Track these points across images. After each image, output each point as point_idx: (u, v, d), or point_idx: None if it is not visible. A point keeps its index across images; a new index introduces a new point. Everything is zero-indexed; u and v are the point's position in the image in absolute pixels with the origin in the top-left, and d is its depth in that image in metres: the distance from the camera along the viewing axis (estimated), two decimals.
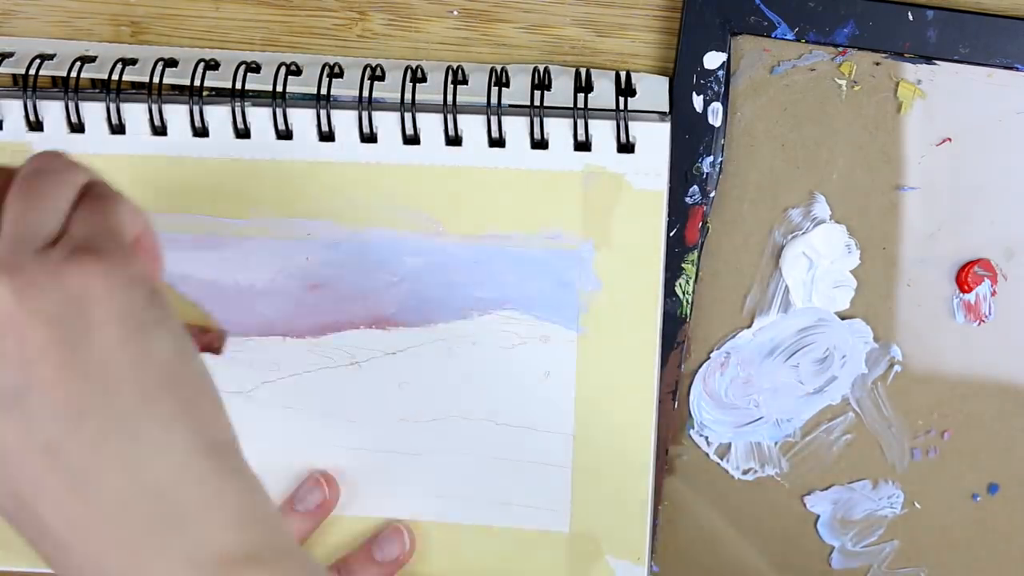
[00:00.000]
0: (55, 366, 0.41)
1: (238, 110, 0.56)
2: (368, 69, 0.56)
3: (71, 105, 0.56)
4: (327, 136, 0.56)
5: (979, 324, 0.57)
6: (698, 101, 0.55)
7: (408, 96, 0.55)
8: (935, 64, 0.55)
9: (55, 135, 0.56)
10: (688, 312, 0.58)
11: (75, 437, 0.41)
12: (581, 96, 0.55)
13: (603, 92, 0.55)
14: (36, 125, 0.56)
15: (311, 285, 0.57)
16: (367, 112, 0.55)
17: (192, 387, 0.43)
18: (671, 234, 0.57)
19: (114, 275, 0.42)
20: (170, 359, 0.42)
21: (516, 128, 0.55)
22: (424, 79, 0.56)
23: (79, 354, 0.41)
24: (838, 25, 0.54)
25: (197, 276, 0.58)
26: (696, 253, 0.57)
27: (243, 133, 0.56)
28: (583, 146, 0.55)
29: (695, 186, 0.56)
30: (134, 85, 0.57)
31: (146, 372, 0.42)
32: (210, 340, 0.56)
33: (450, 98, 0.55)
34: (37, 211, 0.42)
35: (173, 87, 0.57)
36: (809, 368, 0.58)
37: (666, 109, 0.55)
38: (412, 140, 0.56)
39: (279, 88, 0.55)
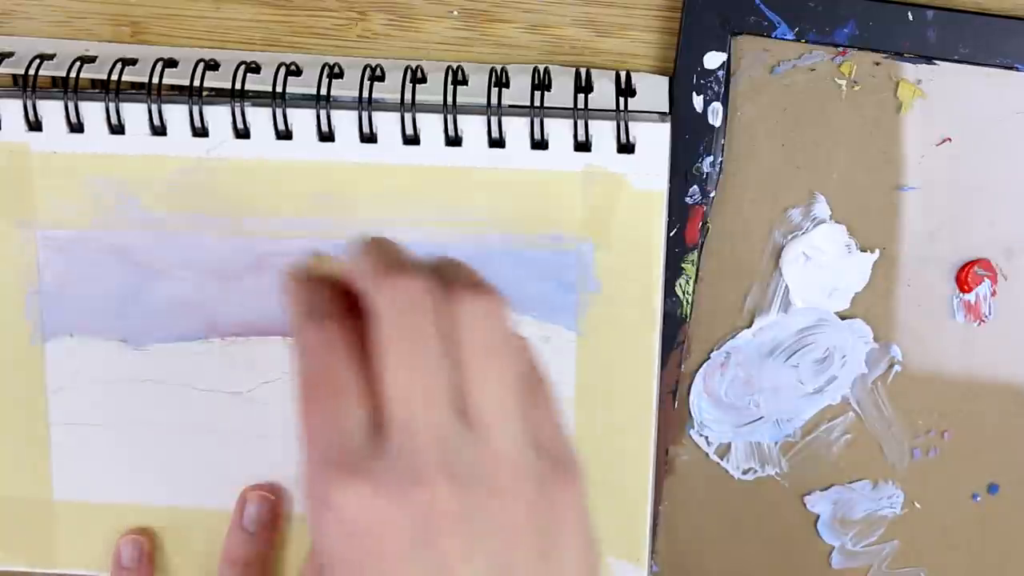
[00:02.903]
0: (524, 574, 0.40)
1: (238, 110, 0.56)
2: (368, 69, 0.56)
3: (71, 105, 0.56)
4: (327, 136, 0.56)
5: (979, 324, 0.57)
6: (698, 101, 0.55)
7: (408, 96, 0.55)
8: (935, 64, 0.55)
9: (55, 135, 0.56)
10: (688, 312, 0.58)
11: None
12: (581, 96, 0.55)
13: (603, 92, 0.55)
14: (36, 125, 0.56)
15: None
16: (367, 112, 0.55)
17: None
18: (671, 234, 0.57)
19: (583, 492, 0.42)
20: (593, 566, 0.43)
21: (516, 128, 0.55)
22: (424, 79, 0.56)
23: (548, 572, 0.41)
24: (838, 25, 0.54)
25: (196, 275, 0.58)
26: (696, 253, 0.57)
27: (243, 133, 0.56)
28: (583, 146, 0.55)
29: (695, 186, 0.56)
30: (134, 85, 0.57)
31: None
32: None
33: (450, 98, 0.55)
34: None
35: (173, 87, 0.57)
36: (809, 368, 0.58)
37: (666, 109, 0.55)
38: (412, 140, 0.56)
39: (279, 88, 0.55)
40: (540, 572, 0.41)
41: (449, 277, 0.42)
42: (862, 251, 0.57)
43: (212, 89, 0.56)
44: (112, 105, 0.56)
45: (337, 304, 0.43)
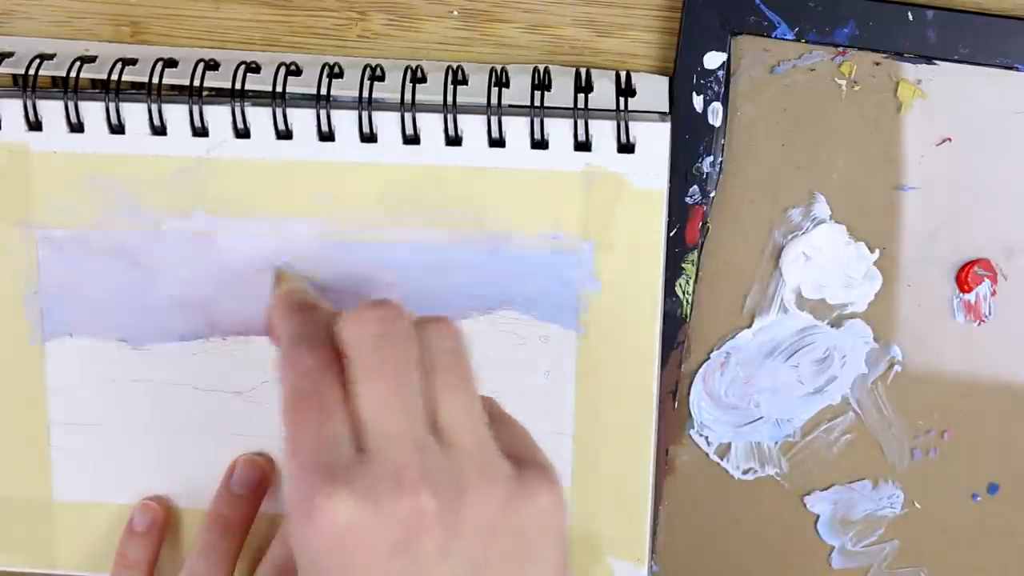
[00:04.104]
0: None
1: (238, 110, 0.56)
2: (368, 69, 0.56)
3: (71, 105, 0.56)
4: (327, 136, 0.56)
5: (979, 324, 0.57)
6: (698, 101, 0.55)
7: (408, 96, 0.55)
8: (935, 64, 0.55)
9: (55, 135, 0.56)
10: (688, 312, 0.58)
11: None
12: (581, 96, 0.55)
13: (603, 92, 0.55)
14: (35, 125, 0.56)
15: (311, 285, 0.57)
16: (367, 112, 0.55)
17: None
18: (671, 234, 0.57)
19: (561, 497, 0.44)
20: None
21: (516, 128, 0.55)
22: (424, 79, 0.56)
23: (526, 569, 0.43)
24: (838, 25, 0.54)
25: (197, 275, 0.58)
26: (696, 253, 0.57)
27: (243, 133, 0.56)
28: (583, 146, 0.55)
29: (695, 186, 0.56)
30: (134, 85, 0.57)
31: None
32: None
33: (450, 98, 0.55)
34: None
35: (173, 87, 0.57)
36: (809, 368, 0.58)
37: (666, 109, 0.55)
38: (412, 140, 0.56)
39: (279, 88, 0.55)
40: (515, 571, 0.43)
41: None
42: (870, 251, 0.57)
43: (212, 89, 0.56)
44: (112, 105, 0.56)
45: (323, 330, 0.47)
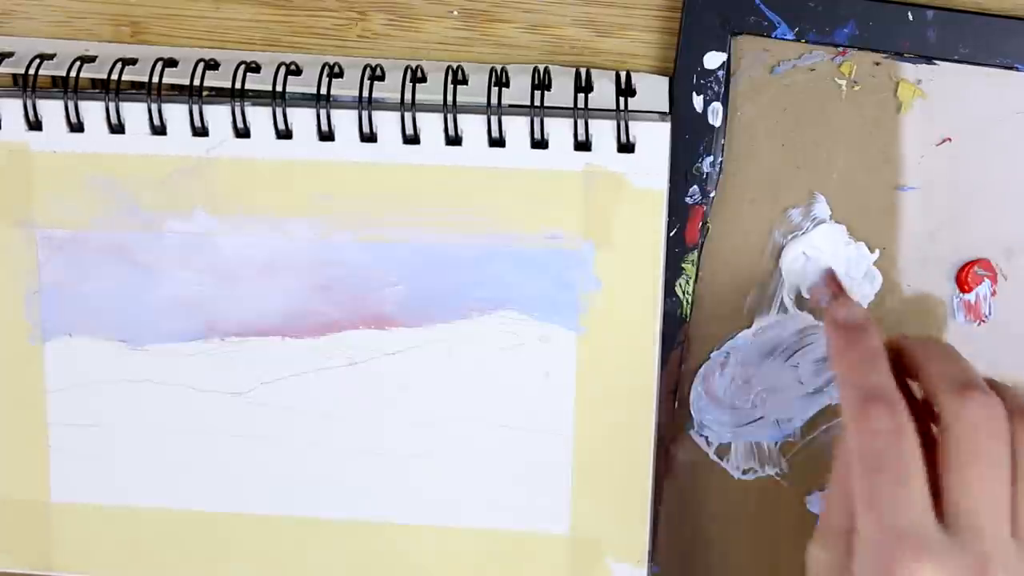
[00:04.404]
0: None
1: (238, 110, 0.56)
2: (368, 69, 0.56)
3: (71, 105, 0.56)
4: (327, 136, 0.56)
5: (979, 324, 0.57)
6: (698, 101, 0.55)
7: (408, 96, 0.55)
8: (935, 64, 0.55)
9: (55, 135, 0.56)
10: (688, 312, 0.58)
11: None
12: (581, 96, 0.55)
13: (603, 92, 0.55)
14: (35, 125, 0.56)
15: (310, 285, 0.57)
16: (367, 112, 0.55)
17: None
18: (671, 234, 0.57)
19: None
20: None
21: (516, 128, 0.55)
22: (424, 79, 0.56)
23: None
24: (838, 25, 0.54)
25: (197, 275, 0.58)
26: (696, 253, 0.57)
27: (243, 133, 0.56)
28: (583, 146, 0.55)
29: (695, 186, 0.56)
30: (134, 85, 0.57)
31: None
32: None
33: (450, 98, 0.55)
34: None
35: (173, 87, 0.57)
36: (809, 368, 0.58)
37: (666, 109, 0.55)
38: (412, 140, 0.56)
39: (279, 88, 0.55)
40: None
41: (1004, 397, 0.48)
42: (870, 251, 0.57)
43: (212, 89, 0.56)
44: (112, 105, 0.56)
45: (896, 384, 0.48)
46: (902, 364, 0.50)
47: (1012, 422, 0.47)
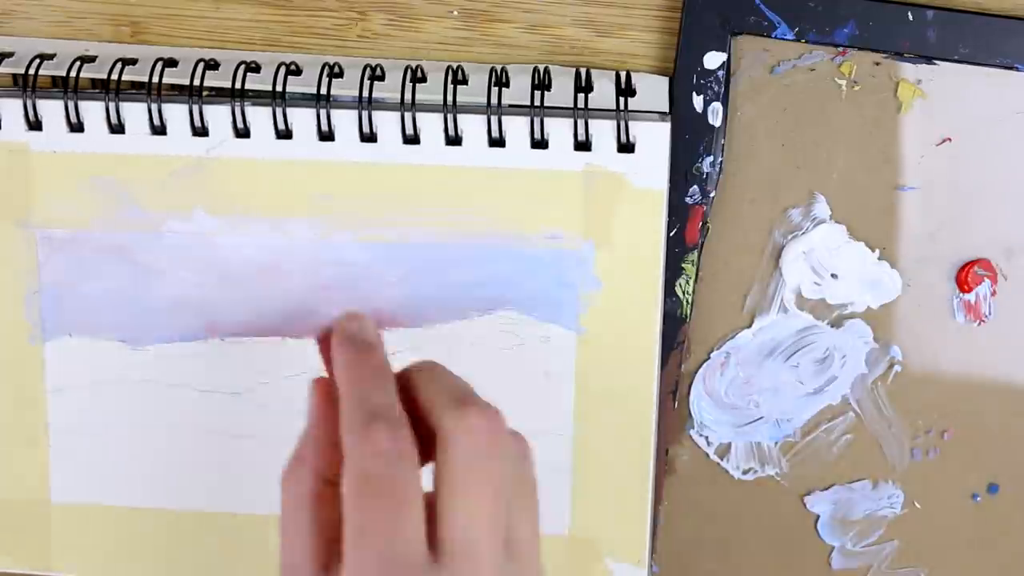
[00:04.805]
0: None
1: (238, 110, 0.56)
2: (368, 69, 0.56)
3: (70, 105, 0.56)
4: (327, 136, 0.56)
5: (979, 324, 0.57)
6: (698, 101, 0.55)
7: (408, 96, 0.55)
8: (935, 64, 0.55)
9: (55, 135, 0.56)
10: (688, 312, 0.58)
11: None
12: (581, 96, 0.55)
13: (603, 92, 0.55)
14: (35, 125, 0.56)
15: (310, 285, 0.57)
16: (367, 112, 0.55)
17: None
18: (671, 234, 0.57)
19: None
20: None
21: (516, 128, 0.55)
22: (424, 79, 0.56)
23: None
24: (838, 25, 0.54)
25: (196, 276, 0.58)
26: (696, 253, 0.57)
27: (243, 133, 0.56)
28: (583, 146, 0.55)
29: (695, 186, 0.56)
30: (134, 85, 0.57)
31: None
32: None
33: (450, 98, 0.55)
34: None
35: (173, 87, 0.57)
36: (809, 368, 0.58)
37: (666, 109, 0.55)
38: (412, 140, 0.56)
39: (279, 88, 0.55)
40: None
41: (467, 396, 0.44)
42: (870, 251, 0.57)
43: (212, 89, 0.56)
44: (112, 105, 0.56)
45: (396, 399, 0.44)
46: (408, 390, 0.46)
47: (515, 438, 0.44)
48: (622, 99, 0.55)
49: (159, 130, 0.56)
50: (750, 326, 0.58)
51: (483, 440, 0.42)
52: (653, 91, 0.56)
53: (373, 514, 0.41)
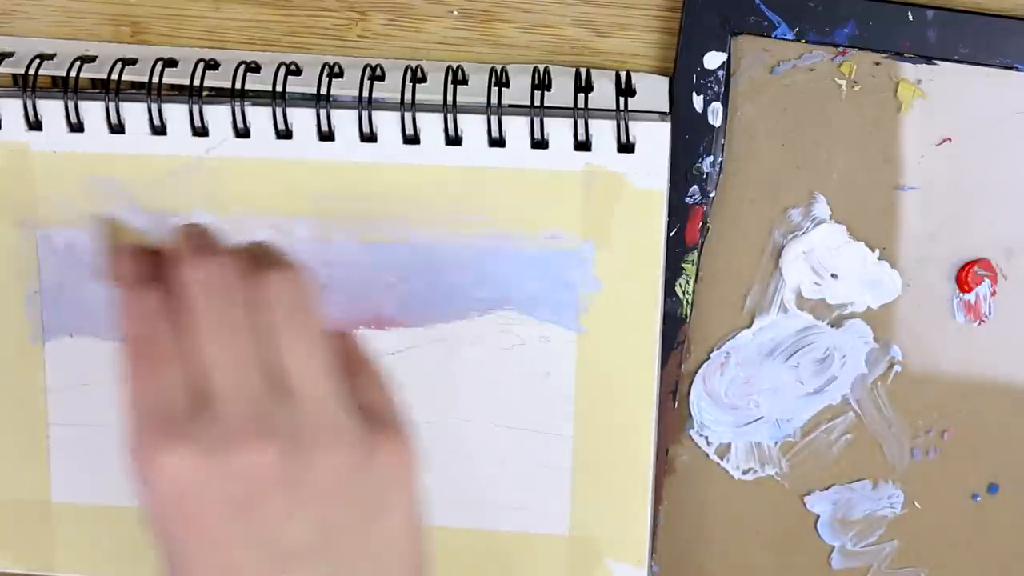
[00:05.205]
0: (350, 535, 0.42)
1: (238, 110, 0.56)
2: (368, 69, 0.56)
3: (71, 105, 0.56)
4: (327, 136, 0.56)
5: (979, 324, 0.57)
6: (698, 101, 0.55)
7: (408, 96, 0.55)
8: (935, 64, 0.55)
9: (55, 135, 0.56)
10: (688, 312, 0.58)
11: None
12: (581, 96, 0.55)
13: (603, 92, 0.55)
14: (35, 125, 0.56)
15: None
16: (367, 112, 0.55)
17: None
18: (671, 234, 0.57)
19: (415, 456, 0.44)
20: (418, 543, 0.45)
21: (516, 128, 0.55)
22: (424, 79, 0.56)
23: (372, 532, 0.43)
24: (838, 25, 0.54)
25: None
26: (696, 253, 0.57)
27: (243, 133, 0.56)
28: (583, 146, 0.55)
29: (695, 186, 0.56)
30: (134, 85, 0.57)
31: (406, 559, 0.44)
32: None
33: (450, 98, 0.55)
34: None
35: (173, 87, 0.57)
36: (809, 368, 0.58)
37: (666, 109, 0.55)
38: (412, 140, 0.56)
39: (279, 88, 0.55)
40: (363, 531, 0.42)
41: (259, 258, 0.45)
42: (870, 251, 0.57)
43: (212, 89, 0.56)
44: (112, 105, 0.56)
45: (157, 275, 0.45)
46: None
47: (258, 271, 0.44)
48: (622, 99, 0.55)
49: (159, 130, 0.56)
50: (750, 326, 0.58)
51: (210, 274, 0.43)
52: (653, 91, 0.56)
53: (136, 374, 0.43)
